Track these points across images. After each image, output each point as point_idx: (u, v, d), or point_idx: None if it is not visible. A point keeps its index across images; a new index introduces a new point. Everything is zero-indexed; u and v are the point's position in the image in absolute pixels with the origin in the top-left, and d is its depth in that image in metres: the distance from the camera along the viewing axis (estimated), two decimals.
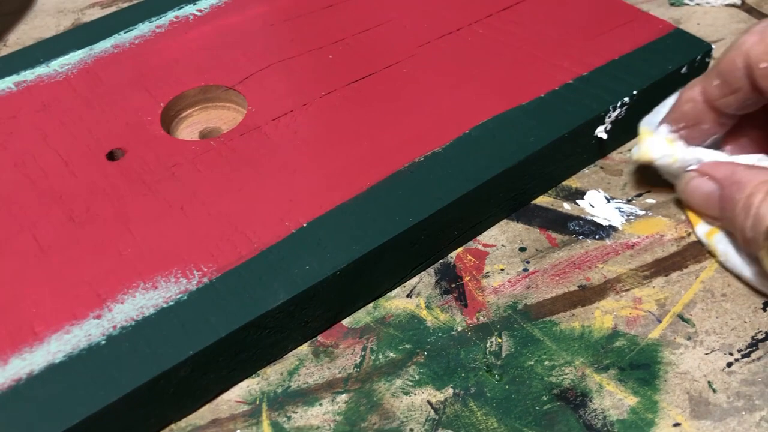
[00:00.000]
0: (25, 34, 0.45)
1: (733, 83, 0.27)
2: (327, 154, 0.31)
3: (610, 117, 0.32)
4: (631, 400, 0.25)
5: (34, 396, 0.24)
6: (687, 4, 0.42)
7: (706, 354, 0.26)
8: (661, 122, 0.30)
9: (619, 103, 0.32)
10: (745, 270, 0.28)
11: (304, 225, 0.28)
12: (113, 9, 0.46)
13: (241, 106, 0.34)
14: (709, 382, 0.26)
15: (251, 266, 0.27)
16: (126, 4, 0.46)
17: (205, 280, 0.26)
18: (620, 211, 0.32)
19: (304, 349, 0.28)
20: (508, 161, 0.30)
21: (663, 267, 0.29)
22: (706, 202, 0.29)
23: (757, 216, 0.26)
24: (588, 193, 0.32)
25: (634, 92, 0.32)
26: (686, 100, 0.29)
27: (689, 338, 0.27)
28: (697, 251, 0.30)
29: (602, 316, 0.28)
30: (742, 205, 0.26)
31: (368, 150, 0.31)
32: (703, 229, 0.30)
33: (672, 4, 0.42)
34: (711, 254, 0.30)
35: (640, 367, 0.26)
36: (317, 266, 0.27)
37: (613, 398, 0.25)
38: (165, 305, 0.26)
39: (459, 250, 0.31)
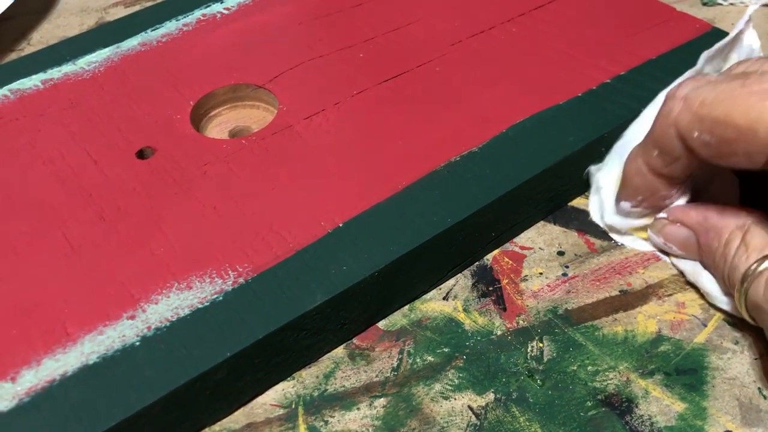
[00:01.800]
0: (48, 32, 0.45)
1: (671, 153, 0.26)
2: (361, 153, 0.30)
3: None
4: (679, 407, 0.25)
5: (68, 398, 0.23)
6: (720, 4, 0.41)
7: (755, 359, 0.26)
8: (617, 200, 0.29)
9: None
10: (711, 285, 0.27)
11: (340, 225, 0.27)
12: (137, 8, 0.46)
13: (272, 105, 0.34)
14: (759, 388, 0.25)
15: (287, 266, 0.26)
16: (150, 3, 0.46)
17: (241, 280, 0.26)
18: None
19: (340, 351, 0.27)
20: (547, 161, 0.29)
21: None
22: (684, 248, 0.28)
23: (731, 266, 0.25)
24: None
25: None
26: (634, 174, 0.27)
27: (736, 343, 0.26)
28: None
29: (645, 321, 0.27)
30: (721, 253, 0.26)
31: (403, 149, 0.30)
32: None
33: (705, 4, 0.42)
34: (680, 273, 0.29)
35: (687, 372, 0.26)
36: (354, 267, 0.26)
37: (660, 404, 0.25)
38: (200, 306, 0.25)
39: (495, 252, 0.30)
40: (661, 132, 0.25)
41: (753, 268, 0.24)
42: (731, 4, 0.41)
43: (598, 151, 0.31)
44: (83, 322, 0.25)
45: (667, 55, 0.34)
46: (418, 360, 0.27)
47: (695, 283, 0.28)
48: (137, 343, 0.24)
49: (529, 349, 0.27)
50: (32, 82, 0.35)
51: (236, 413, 0.25)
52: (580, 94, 0.32)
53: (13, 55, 0.43)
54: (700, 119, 0.24)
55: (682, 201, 0.28)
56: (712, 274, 0.27)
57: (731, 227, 0.26)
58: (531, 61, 0.34)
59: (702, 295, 0.28)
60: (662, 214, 0.28)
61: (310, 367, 0.27)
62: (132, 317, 0.25)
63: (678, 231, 0.28)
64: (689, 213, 0.27)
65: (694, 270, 0.28)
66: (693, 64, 0.33)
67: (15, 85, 0.35)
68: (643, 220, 0.29)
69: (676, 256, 0.29)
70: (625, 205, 0.29)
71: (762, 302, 0.23)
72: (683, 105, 0.24)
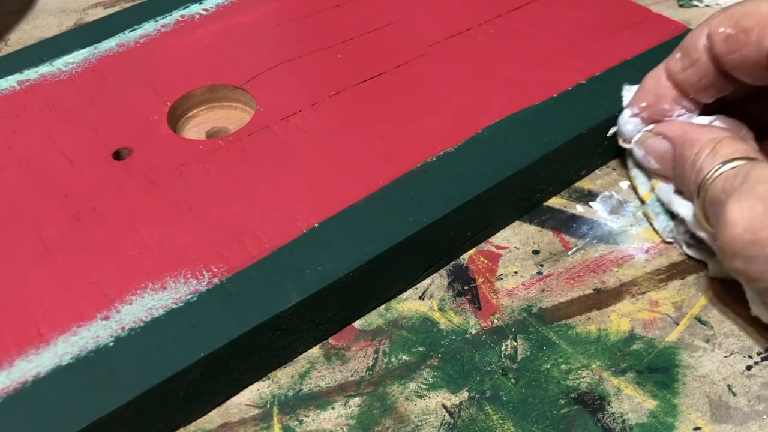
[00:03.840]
0: (26, 33, 0.45)
1: (692, 54, 0.28)
2: (337, 153, 0.30)
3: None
4: (650, 404, 0.25)
5: (41, 399, 0.23)
6: (696, 6, 0.42)
7: (725, 357, 0.26)
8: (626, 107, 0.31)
9: None
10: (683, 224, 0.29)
11: (316, 225, 0.28)
12: (116, 9, 0.46)
13: (249, 105, 0.34)
14: (728, 385, 0.25)
15: (262, 267, 0.26)
16: (129, 4, 0.46)
17: (216, 280, 0.26)
18: (634, 215, 0.31)
19: (315, 351, 0.27)
20: (522, 161, 0.30)
21: (679, 270, 0.29)
22: (661, 161, 0.29)
23: (698, 170, 0.26)
24: (601, 195, 0.32)
25: None
26: (649, 78, 0.30)
27: (707, 341, 0.27)
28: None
29: (618, 319, 0.27)
30: (691, 161, 0.27)
31: (379, 150, 0.30)
32: (642, 192, 0.31)
33: (681, 6, 0.42)
34: (646, 218, 0.30)
35: (659, 370, 0.26)
36: (330, 267, 0.26)
37: (631, 402, 0.25)
38: (174, 306, 0.25)
39: (471, 251, 0.30)
40: (693, 34, 0.28)
41: (716, 167, 0.26)
42: (707, 5, 0.42)
43: (574, 151, 0.31)
44: (57, 322, 0.25)
45: (642, 55, 0.34)
46: (393, 359, 0.27)
47: (670, 208, 0.29)
48: (111, 344, 0.24)
49: (503, 347, 0.27)
50: (8, 83, 0.35)
51: (211, 413, 0.25)
52: (555, 95, 0.32)
53: None
54: (731, 15, 0.26)
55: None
56: (682, 188, 0.29)
57: (705, 139, 0.27)
58: (508, 61, 0.34)
59: (675, 292, 0.28)
60: (649, 127, 0.30)
61: (285, 367, 0.27)
62: (106, 318, 0.25)
63: (659, 143, 0.29)
64: (671, 126, 0.29)
65: (669, 199, 0.29)
66: None
67: None
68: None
69: (655, 172, 0.30)
70: (627, 112, 0.30)
71: (718, 194, 0.25)
72: (721, 10, 0.27)
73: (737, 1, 0.27)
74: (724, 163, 0.25)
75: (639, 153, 0.30)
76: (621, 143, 0.31)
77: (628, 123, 0.30)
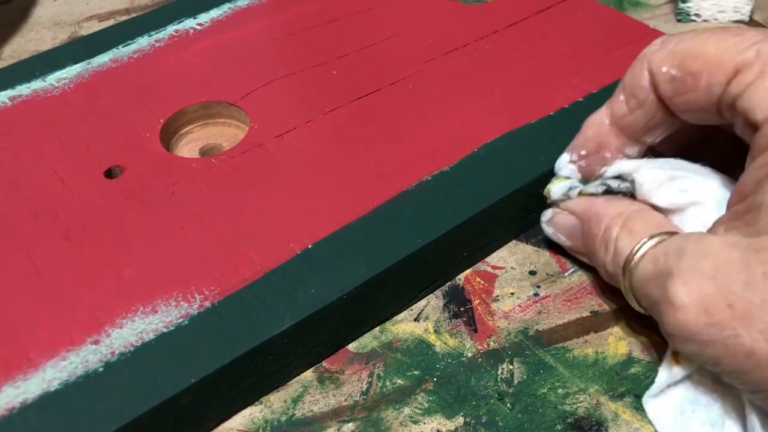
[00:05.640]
0: (20, 46, 0.44)
1: (638, 94, 0.26)
2: (332, 172, 0.30)
3: None
4: (648, 429, 0.24)
5: (28, 426, 0.23)
6: (694, 21, 0.42)
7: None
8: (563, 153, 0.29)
9: None
10: None
11: (310, 246, 0.27)
12: (111, 22, 0.45)
13: (243, 122, 0.34)
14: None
15: (255, 289, 0.26)
16: (124, 18, 0.45)
17: (207, 303, 0.26)
18: None
19: (309, 375, 0.27)
20: (519, 181, 0.29)
21: None
22: (570, 238, 0.28)
23: (615, 251, 0.25)
24: None
25: None
26: (590, 125, 0.28)
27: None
28: None
29: (616, 342, 0.27)
30: (600, 238, 0.26)
31: (374, 168, 0.30)
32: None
33: (679, 21, 0.42)
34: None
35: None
36: (324, 289, 0.26)
37: (629, 427, 0.25)
38: (165, 330, 0.25)
39: (467, 272, 0.30)
40: (633, 72, 0.26)
41: (637, 247, 0.24)
42: (705, 20, 0.41)
43: None
44: (46, 347, 0.25)
45: None
46: (387, 383, 0.26)
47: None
48: (100, 369, 0.24)
49: (500, 371, 0.26)
50: (0, 99, 0.35)
51: None
52: (552, 113, 0.32)
53: None
54: (674, 54, 0.24)
55: (612, 171, 0.28)
56: (595, 266, 0.27)
57: (612, 214, 0.26)
58: (504, 79, 0.34)
59: None
60: (550, 212, 0.29)
61: (278, 391, 0.26)
62: (96, 342, 0.25)
63: (566, 219, 0.28)
64: (577, 202, 0.28)
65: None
66: None
67: None
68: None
69: (568, 249, 0.29)
70: (565, 157, 0.29)
71: (649, 276, 0.23)
72: (660, 44, 0.25)
73: (677, 33, 0.26)
74: (645, 241, 0.24)
75: (549, 230, 0.29)
76: (547, 189, 0.29)
77: (564, 169, 0.29)
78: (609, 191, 0.27)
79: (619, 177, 0.27)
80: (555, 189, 0.29)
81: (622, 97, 0.27)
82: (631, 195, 0.27)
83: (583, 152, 0.28)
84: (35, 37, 0.45)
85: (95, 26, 0.45)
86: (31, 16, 0.47)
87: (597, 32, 0.36)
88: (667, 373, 0.25)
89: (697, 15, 0.41)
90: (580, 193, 0.28)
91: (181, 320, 0.25)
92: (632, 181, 0.27)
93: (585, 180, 0.28)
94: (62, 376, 0.24)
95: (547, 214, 0.29)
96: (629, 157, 0.28)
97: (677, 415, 0.24)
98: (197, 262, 0.27)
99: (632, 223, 0.25)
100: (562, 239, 0.29)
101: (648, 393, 0.25)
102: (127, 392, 0.23)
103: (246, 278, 0.26)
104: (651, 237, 0.24)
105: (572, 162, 0.28)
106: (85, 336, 0.25)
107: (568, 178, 0.29)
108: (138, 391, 0.23)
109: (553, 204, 0.29)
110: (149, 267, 0.27)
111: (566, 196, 0.28)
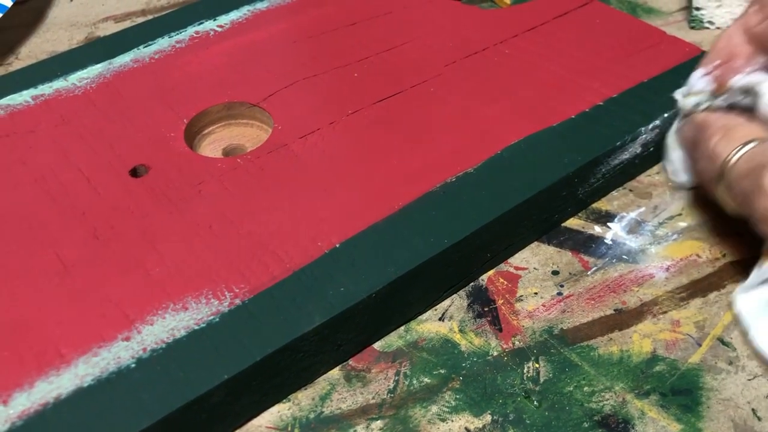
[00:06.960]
0: (37, 47, 0.44)
1: None
2: (357, 173, 0.30)
3: (641, 139, 0.32)
4: (675, 428, 0.25)
5: (63, 421, 0.23)
6: (707, 28, 0.42)
7: (749, 380, 0.26)
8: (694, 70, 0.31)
9: (650, 126, 0.32)
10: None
11: (337, 245, 0.27)
12: (127, 23, 0.46)
13: (266, 123, 0.34)
14: (753, 409, 0.25)
15: (284, 287, 0.26)
16: (141, 19, 0.46)
17: (237, 301, 0.26)
18: (652, 234, 0.31)
19: (336, 373, 0.27)
20: (542, 183, 0.30)
21: (700, 288, 0.29)
22: (685, 143, 0.31)
23: (714, 154, 0.27)
24: (618, 215, 0.32)
25: (666, 114, 0.32)
26: (721, 38, 0.30)
27: (731, 363, 0.26)
28: (735, 272, 0.29)
29: (641, 340, 0.27)
30: (703, 146, 0.28)
31: (398, 169, 0.30)
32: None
33: (692, 28, 0.42)
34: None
35: (682, 392, 0.26)
36: (352, 288, 0.26)
37: (656, 425, 0.25)
38: (196, 327, 0.25)
39: (490, 272, 0.30)
40: None
41: (734, 151, 0.26)
42: (718, 28, 0.42)
43: (592, 172, 0.31)
44: (77, 343, 0.25)
45: (658, 78, 0.34)
46: (414, 382, 0.27)
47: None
48: (133, 365, 0.24)
49: (526, 369, 0.27)
50: (22, 98, 0.35)
51: None
52: (573, 116, 0.32)
53: (1, 70, 0.42)
54: None
55: (740, 83, 0.29)
56: (697, 173, 0.30)
57: (719, 124, 0.28)
58: (525, 82, 0.34)
59: (697, 311, 0.28)
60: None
61: (305, 389, 0.26)
62: (127, 338, 0.25)
63: (688, 129, 0.30)
64: (700, 115, 0.30)
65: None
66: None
67: (5, 100, 0.35)
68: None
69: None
70: (700, 71, 0.30)
71: (744, 172, 0.25)
72: None
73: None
74: (742, 145, 0.26)
75: (673, 139, 0.31)
76: (680, 101, 0.31)
77: (699, 82, 0.30)
78: (733, 106, 0.29)
79: (746, 91, 0.29)
80: (687, 102, 0.31)
81: (754, 8, 0.28)
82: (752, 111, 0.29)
83: (717, 62, 0.30)
84: (52, 37, 0.45)
85: (111, 27, 0.46)
86: (47, 17, 0.47)
87: (614, 38, 0.37)
88: (758, 270, 0.26)
89: (710, 22, 0.42)
90: (708, 108, 0.30)
91: (211, 317, 0.25)
92: (756, 94, 0.28)
93: (715, 96, 0.30)
94: (95, 372, 0.24)
95: (676, 125, 0.31)
96: (759, 64, 0.29)
97: (763, 308, 0.26)
98: (226, 260, 0.27)
99: (733, 133, 0.27)
100: (684, 146, 0.31)
101: (738, 289, 0.27)
102: (160, 388, 0.23)
103: (275, 276, 0.26)
104: (749, 142, 0.26)
105: (707, 74, 0.30)
106: (116, 333, 0.25)
107: (700, 93, 0.30)
108: (170, 387, 0.23)
109: (685, 116, 0.31)
110: (178, 265, 0.27)
111: (695, 109, 0.30)
